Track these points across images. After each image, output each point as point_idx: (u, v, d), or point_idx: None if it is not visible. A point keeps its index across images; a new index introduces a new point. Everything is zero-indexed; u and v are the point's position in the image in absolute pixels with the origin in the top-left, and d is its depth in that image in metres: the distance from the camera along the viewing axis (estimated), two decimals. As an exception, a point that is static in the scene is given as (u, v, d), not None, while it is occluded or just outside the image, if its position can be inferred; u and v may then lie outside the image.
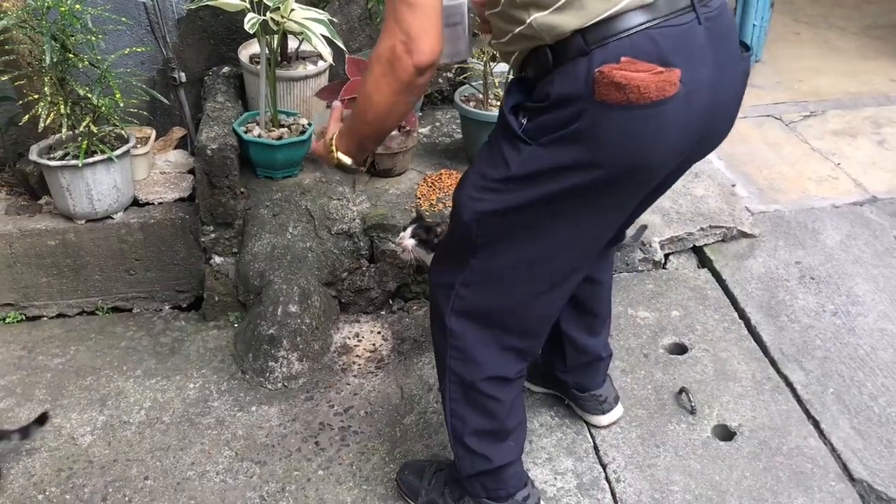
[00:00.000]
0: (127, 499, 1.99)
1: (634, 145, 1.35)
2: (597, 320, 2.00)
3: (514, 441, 1.79)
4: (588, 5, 1.32)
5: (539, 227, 1.48)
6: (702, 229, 2.80)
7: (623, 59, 1.30)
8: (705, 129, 1.43)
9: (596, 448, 2.09)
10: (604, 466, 2.04)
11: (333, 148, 1.56)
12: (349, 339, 2.52)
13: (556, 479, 2.01)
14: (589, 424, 2.15)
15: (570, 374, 2.08)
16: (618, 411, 2.14)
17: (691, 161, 1.56)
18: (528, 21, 1.36)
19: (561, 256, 1.55)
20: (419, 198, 2.64)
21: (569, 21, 1.33)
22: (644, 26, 1.31)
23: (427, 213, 2.51)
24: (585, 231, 1.53)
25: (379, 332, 2.54)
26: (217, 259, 2.60)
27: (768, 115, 3.64)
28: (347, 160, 1.56)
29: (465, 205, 1.50)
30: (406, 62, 1.33)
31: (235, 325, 2.59)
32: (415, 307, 2.66)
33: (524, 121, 1.41)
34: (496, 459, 1.75)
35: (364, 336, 2.53)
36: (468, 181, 1.52)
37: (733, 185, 3.09)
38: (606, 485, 1.99)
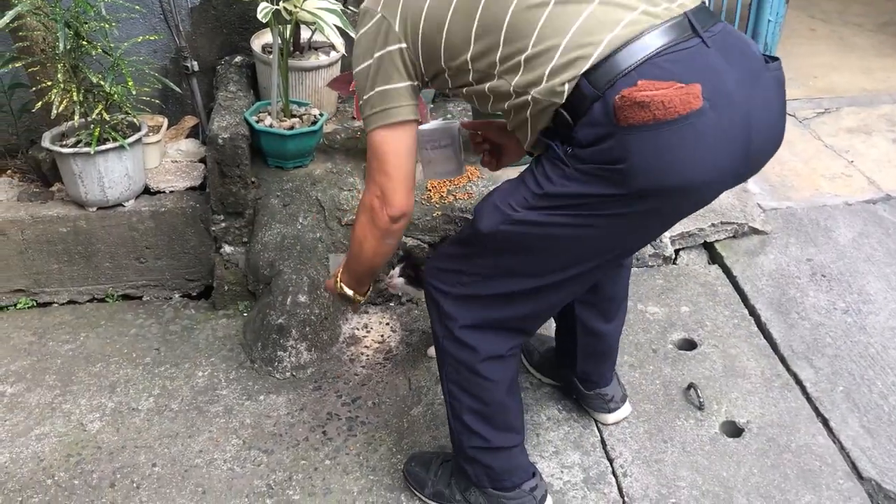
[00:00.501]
0: (135, 485, 2.00)
1: (671, 165, 1.34)
2: (612, 304, 1.98)
3: (511, 424, 1.79)
4: (576, 59, 1.36)
5: (562, 241, 1.49)
6: (713, 225, 2.78)
7: (640, 82, 1.31)
8: (750, 144, 1.43)
9: (603, 442, 2.09)
10: (611, 461, 2.04)
11: (338, 282, 1.84)
12: (358, 329, 2.52)
13: (562, 472, 2.01)
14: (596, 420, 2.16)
15: (580, 361, 2.06)
16: (625, 410, 2.14)
17: (744, 178, 1.56)
18: (530, 98, 1.42)
19: (576, 267, 1.56)
20: (429, 190, 2.64)
21: (566, 76, 1.37)
22: (646, 56, 1.34)
23: (415, 250, 2.53)
24: (611, 249, 1.56)
25: (387, 324, 2.54)
26: (227, 248, 2.60)
27: (782, 112, 3.62)
28: (349, 292, 1.85)
29: (488, 212, 1.51)
30: (382, 213, 1.58)
31: (245, 315, 2.59)
32: (424, 299, 2.65)
33: (568, 148, 1.42)
34: (493, 440, 1.77)
35: (373, 327, 2.53)
36: (502, 190, 1.53)
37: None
38: (613, 479, 1.99)
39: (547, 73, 1.38)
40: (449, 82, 1.55)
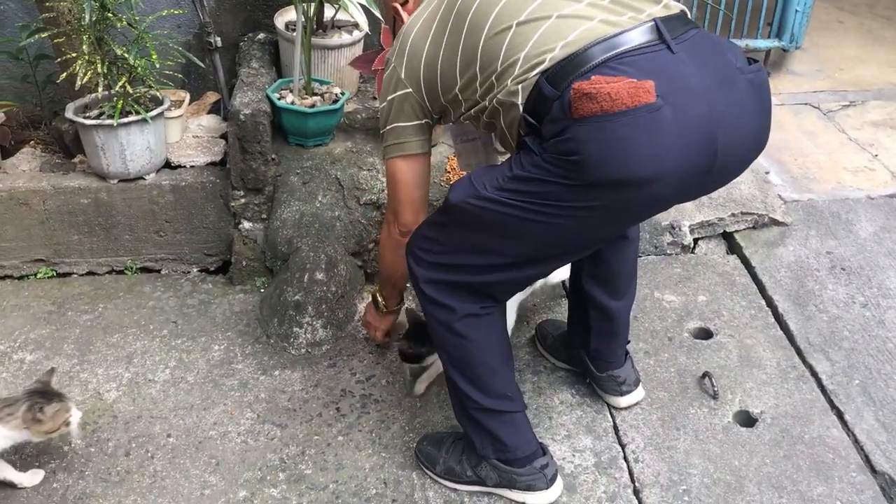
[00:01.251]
0: (149, 455, 2.03)
1: (621, 157, 1.42)
2: (621, 279, 2.01)
3: (500, 390, 1.82)
4: (534, 66, 1.47)
5: (522, 228, 1.57)
6: (733, 215, 2.77)
7: (593, 77, 1.41)
8: (716, 147, 1.47)
9: (616, 428, 2.09)
10: (623, 446, 2.04)
11: (374, 292, 2.16)
12: (373, 309, 2.53)
13: (574, 456, 2.01)
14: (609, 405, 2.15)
15: (592, 339, 2.07)
16: (637, 394, 2.14)
17: (714, 181, 1.60)
18: (496, 102, 1.55)
19: (536, 253, 1.65)
20: (449, 171, 2.64)
21: (521, 78, 1.50)
22: (604, 59, 1.43)
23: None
24: (568, 241, 1.63)
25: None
26: (246, 224, 2.62)
27: (806, 104, 3.58)
28: (380, 299, 2.16)
29: (461, 185, 1.62)
30: (393, 227, 1.86)
31: (262, 290, 2.61)
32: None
33: (538, 140, 1.51)
34: (484, 402, 1.80)
35: (388, 307, 2.53)
36: (480, 170, 1.63)
37: (767, 173, 3.05)
38: (625, 464, 1.99)
39: (509, 82, 1.52)
40: (451, 115, 1.73)
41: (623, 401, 2.12)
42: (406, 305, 2.27)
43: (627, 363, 2.12)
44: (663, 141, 1.42)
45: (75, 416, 1.88)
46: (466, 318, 1.76)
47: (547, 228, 1.55)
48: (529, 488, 1.86)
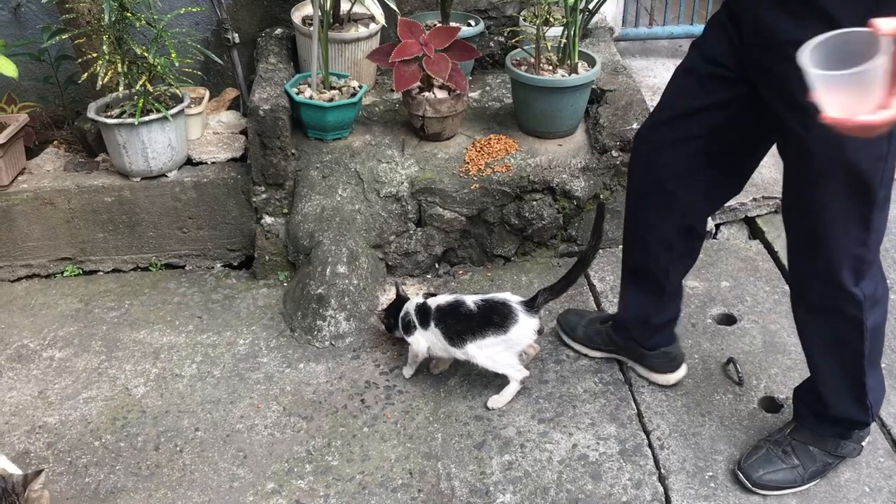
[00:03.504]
0: (178, 449, 2.05)
1: None
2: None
3: None
4: None
5: None
6: (754, 200, 2.75)
7: None
8: None
9: (640, 415, 2.09)
10: (647, 433, 2.04)
11: None
12: (396, 300, 2.54)
13: (598, 444, 2.01)
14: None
15: (665, 330, 2.10)
16: (683, 370, 2.15)
17: None
18: None
19: None
20: (467, 162, 2.64)
21: None
22: None
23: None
24: None
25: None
26: (268, 219, 2.63)
27: (828, 85, 3.54)
28: None
29: (869, 159, 1.49)
30: None
31: (285, 284, 2.63)
32: (461, 271, 2.67)
33: None
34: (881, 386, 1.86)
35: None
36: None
37: (789, 156, 3.02)
38: (650, 451, 1.99)
39: None
40: None
41: (673, 377, 2.13)
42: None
43: (676, 340, 2.14)
44: None
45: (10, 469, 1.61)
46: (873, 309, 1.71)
47: None
48: None
